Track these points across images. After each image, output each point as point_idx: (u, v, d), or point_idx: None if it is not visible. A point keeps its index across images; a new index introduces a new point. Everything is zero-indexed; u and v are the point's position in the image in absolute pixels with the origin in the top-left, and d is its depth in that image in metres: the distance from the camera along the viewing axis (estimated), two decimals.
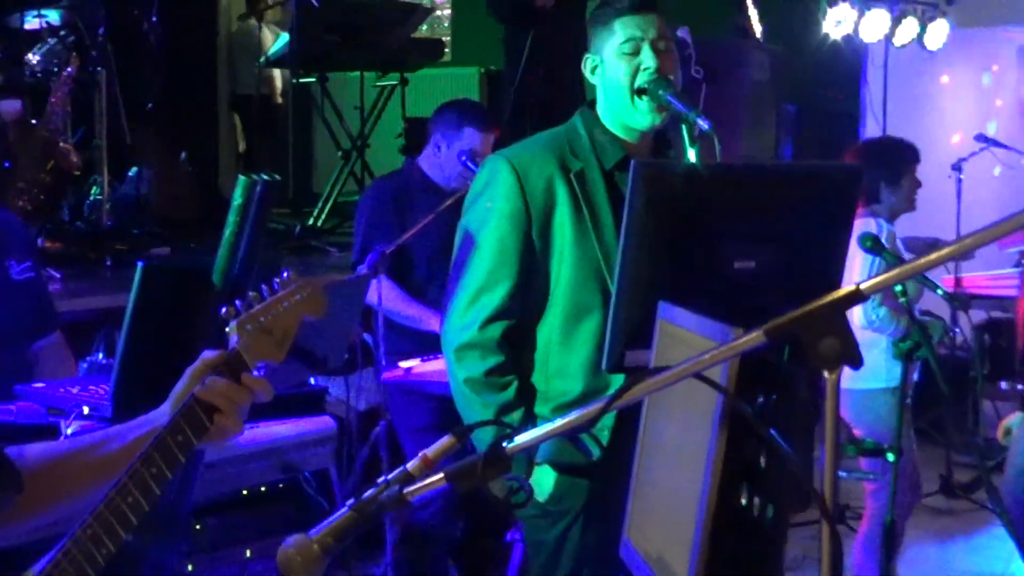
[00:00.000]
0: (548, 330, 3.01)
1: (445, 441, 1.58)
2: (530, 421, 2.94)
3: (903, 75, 9.39)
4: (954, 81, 10.61)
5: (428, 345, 4.58)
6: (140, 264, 2.72)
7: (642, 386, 1.38)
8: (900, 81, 9.32)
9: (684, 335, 1.83)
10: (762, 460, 1.58)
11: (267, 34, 11.35)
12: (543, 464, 3.01)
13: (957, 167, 7.91)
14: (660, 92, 2.92)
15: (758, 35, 7.56)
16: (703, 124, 2.82)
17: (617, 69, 2.97)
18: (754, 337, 1.32)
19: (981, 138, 7.54)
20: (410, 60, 8.47)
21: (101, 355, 4.37)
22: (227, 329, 1.99)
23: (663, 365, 1.70)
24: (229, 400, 1.95)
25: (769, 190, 2.38)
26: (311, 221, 8.02)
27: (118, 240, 6.61)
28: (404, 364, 4.34)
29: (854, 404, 4.83)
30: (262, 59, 9.21)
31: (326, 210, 8.26)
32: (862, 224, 4.55)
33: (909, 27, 9.00)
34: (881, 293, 4.34)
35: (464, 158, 4.83)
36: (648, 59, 2.94)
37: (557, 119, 7.71)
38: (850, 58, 8.93)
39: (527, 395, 3.01)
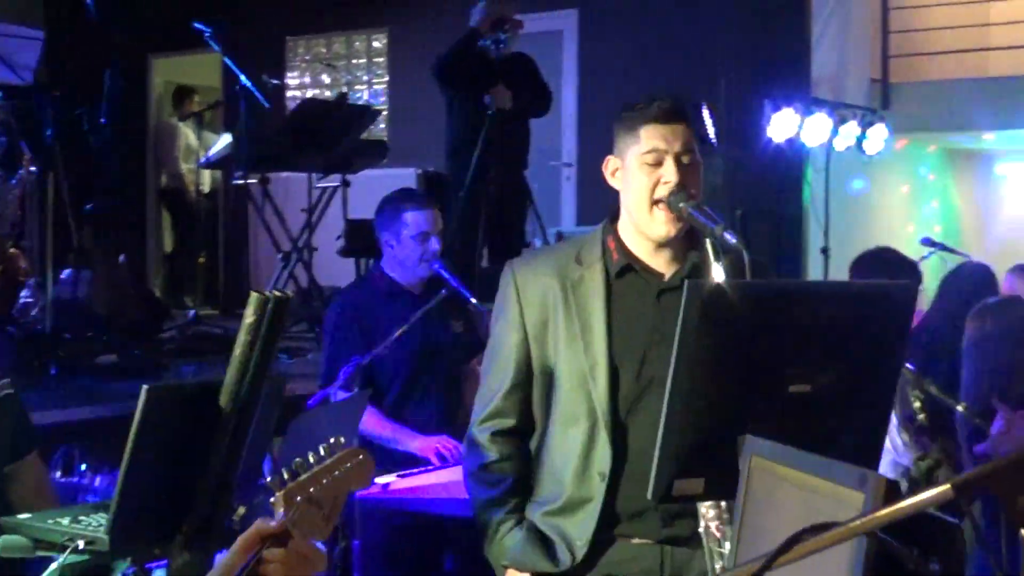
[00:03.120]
0: (545, 434, 2.99)
1: None
2: (514, 522, 2.96)
3: (842, 178, 9.50)
4: (888, 184, 10.78)
5: (400, 466, 4.43)
6: (145, 387, 2.55)
7: (808, 544, 1.26)
8: (840, 184, 9.42)
9: (787, 473, 1.71)
10: None
11: (190, 132, 11.30)
12: (509, 567, 2.99)
13: None
14: (680, 205, 2.85)
15: (712, 140, 7.58)
16: (730, 238, 2.74)
17: (637, 178, 2.90)
18: (942, 492, 1.21)
19: (928, 242, 7.59)
20: (357, 161, 8.37)
21: (59, 473, 4.15)
22: (272, 500, 1.85)
23: (758, 504, 1.59)
24: (289, 571, 1.82)
25: (823, 310, 2.29)
26: None
27: (59, 346, 6.37)
28: (380, 480, 4.17)
29: None
30: (202, 160, 9.03)
31: None
32: None
33: (849, 132, 9.14)
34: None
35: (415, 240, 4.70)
36: (670, 173, 2.87)
37: (508, 222, 7.69)
38: (793, 162, 9.00)
39: (522, 494, 3.01)
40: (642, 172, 2.90)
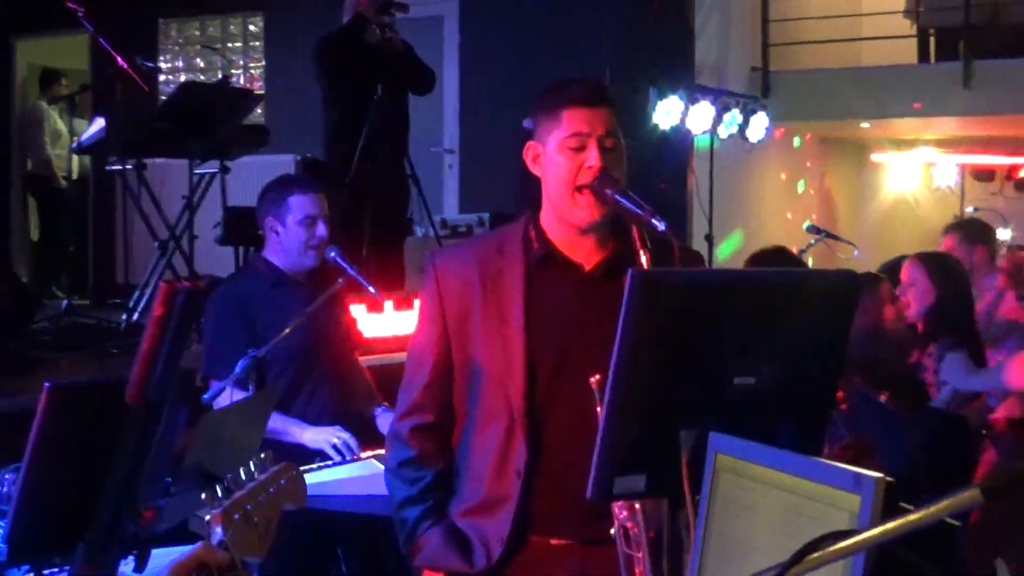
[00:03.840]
0: (465, 431, 2.89)
1: None
2: (434, 518, 2.87)
3: (725, 165, 9.53)
4: (769, 171, 10.86)
5: (292, 459, 4.26)
6: (47, 385, 2.38)
7: (833, 550, 1.17)
8: (722, 171, 9.45)
9: (762, 474, 1.62)
10: None
11: (57, 117, 10.90)
12: (424, 567, 2.91)
13: None
14: (606, 191, 2.75)
15: None
16: (658, 225, 2.65)
17: (559, 163, 2.80)
18: (970, 496, 1.13)
19: (813, 229, 7.63)
20: (237, 147, 8.12)
21: None
22: (207, 518, 1.72)
23: (726, 508, 1.51)
24: None
25: (767, 299, 2.21)
26: (136, 317, 7.54)
27: None
28: None
29: None
30: (73, 145, 8.69)
31: (141, 304, 7.78)
32: None
33: (732, 119, 9.18)
34: None
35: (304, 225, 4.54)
36: (593, 157, 2.77)
37: (393, 210, 7.53)
38: (678, 149, 9.00)
39: (442, 492, 2.91)
40: (564, 157, 2.79)
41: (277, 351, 4.35)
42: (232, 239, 8.40)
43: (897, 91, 10.17)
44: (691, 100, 8.72)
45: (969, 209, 9.27)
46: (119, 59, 6.98)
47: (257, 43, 11.04)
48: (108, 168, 8.27)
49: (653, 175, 8.91)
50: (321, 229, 4.55)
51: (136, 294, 7.88)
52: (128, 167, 7.89)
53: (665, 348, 2.14)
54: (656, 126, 8.65)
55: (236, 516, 1.73)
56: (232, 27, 11.21)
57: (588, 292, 2.84)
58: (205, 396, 4.07)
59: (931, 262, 5.19)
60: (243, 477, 1.77)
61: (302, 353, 4.54)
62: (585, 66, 8.90)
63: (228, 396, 4.09)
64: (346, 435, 4.35)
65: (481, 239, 3.04)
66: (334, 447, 4.32)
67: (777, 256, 4.98)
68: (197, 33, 11.31)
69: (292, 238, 4.54)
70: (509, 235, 2.92)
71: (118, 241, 10.36)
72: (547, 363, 2.79)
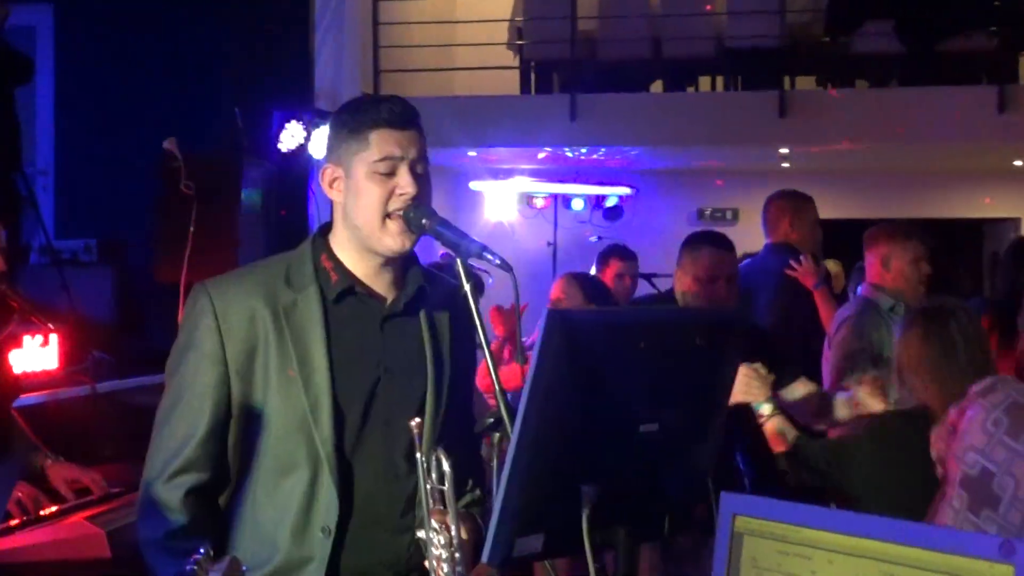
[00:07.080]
0: (247, 488, 2.59)
1: None
2: None
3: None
4: None
5: None
6: None
7: None
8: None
9: (802, 535, 1.48)
10: None
11: None
12: None
13: None
14: (424, 221, 2.55)
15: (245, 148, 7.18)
16: (493, 259, 2.48)
17: (367, 190, 2.56)
18: None
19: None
20: None
21: None
22: None
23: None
24: None
25: (670, 340, 2.09)
26: None
27: None
28: None
29: None
30: None
31: None
32: None
33: None
34: None
35: None
36: (406, 183, 2.56)
37: (7, 229, 6.84)
38: (298, 174, 8.76)
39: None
40: (372, 182, 2.56)
41: None
42: None
43: (502, 121, 10.35)
44: (313, 124, 8.50)
45: (593, 238, 9.53)
46: None
47: None
48: None
49: (273, 201, 8.64)
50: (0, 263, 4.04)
51: None
52: None
53: (577, 394, 1.98)
54: (279, 151, 8.38)
55: None
56: None
57: (391, 330, 2.64)
58: None
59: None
60: None
61: None
62: (203, 85, 8.51)
63: None
64: (32, 489, 3.84)
65: (259, 269, 2.67)
66: (20, 503, 3.79)
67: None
68: None
69: None
70: (294, 265, 2.64)
71: None
72: (354, 407, 2.56)
